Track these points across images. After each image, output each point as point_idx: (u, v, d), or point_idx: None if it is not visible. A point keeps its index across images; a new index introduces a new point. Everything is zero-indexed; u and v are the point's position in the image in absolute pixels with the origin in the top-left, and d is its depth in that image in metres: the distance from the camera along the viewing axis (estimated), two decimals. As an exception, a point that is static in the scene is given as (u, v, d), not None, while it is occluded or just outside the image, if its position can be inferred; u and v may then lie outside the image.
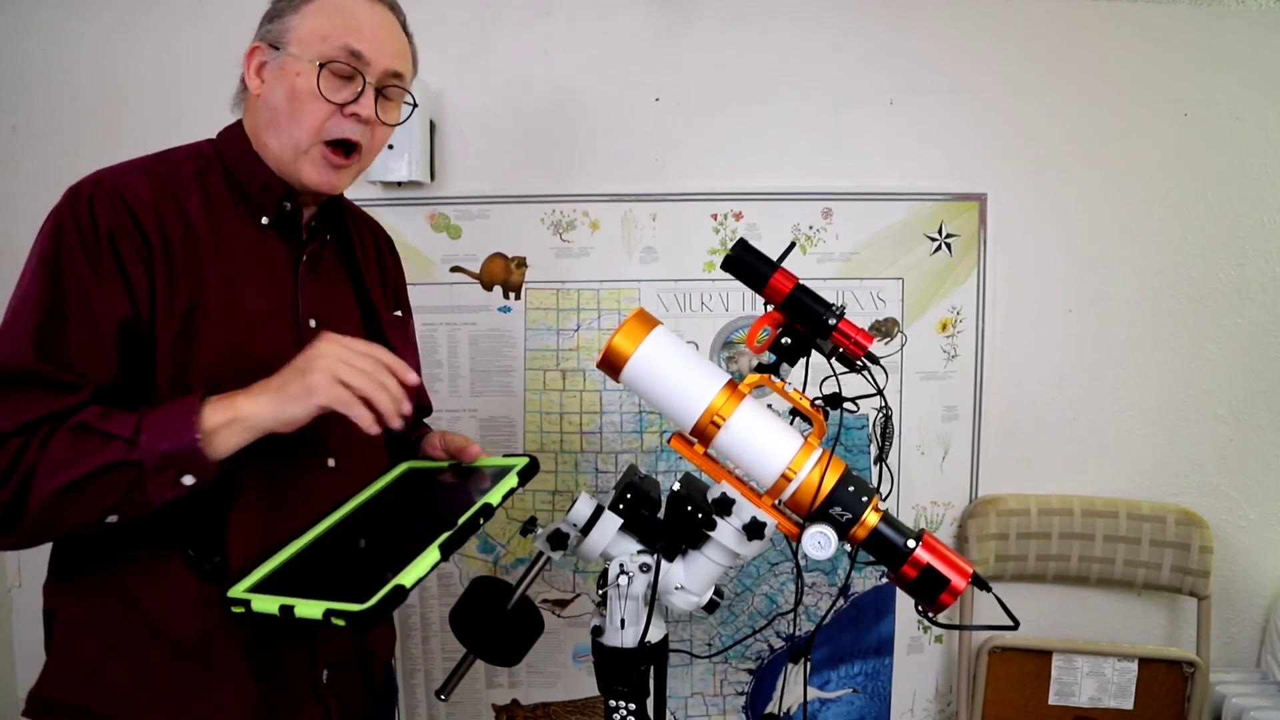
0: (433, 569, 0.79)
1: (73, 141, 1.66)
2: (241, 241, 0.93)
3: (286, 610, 0.75)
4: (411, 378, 0.84)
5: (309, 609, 0.74)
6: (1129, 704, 1.76)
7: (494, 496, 0.90)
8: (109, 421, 0.79)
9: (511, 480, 0.94)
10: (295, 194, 0.96)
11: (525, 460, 0.98)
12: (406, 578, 0.76)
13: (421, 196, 1.69)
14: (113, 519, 0.80)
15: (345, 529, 0.91)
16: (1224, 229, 1.77)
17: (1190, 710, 1.73)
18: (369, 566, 0.82)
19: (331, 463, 0.97)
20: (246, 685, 0.92)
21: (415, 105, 1.02)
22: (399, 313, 1.13)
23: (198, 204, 0.90)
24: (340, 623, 0.72)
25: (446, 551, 0.81)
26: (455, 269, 1.70)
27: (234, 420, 0.80)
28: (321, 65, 0.89)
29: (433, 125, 1.66)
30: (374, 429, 0.82)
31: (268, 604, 0.76)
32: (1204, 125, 1.75)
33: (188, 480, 0.79)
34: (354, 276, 1.05)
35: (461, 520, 0.85)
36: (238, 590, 0.80)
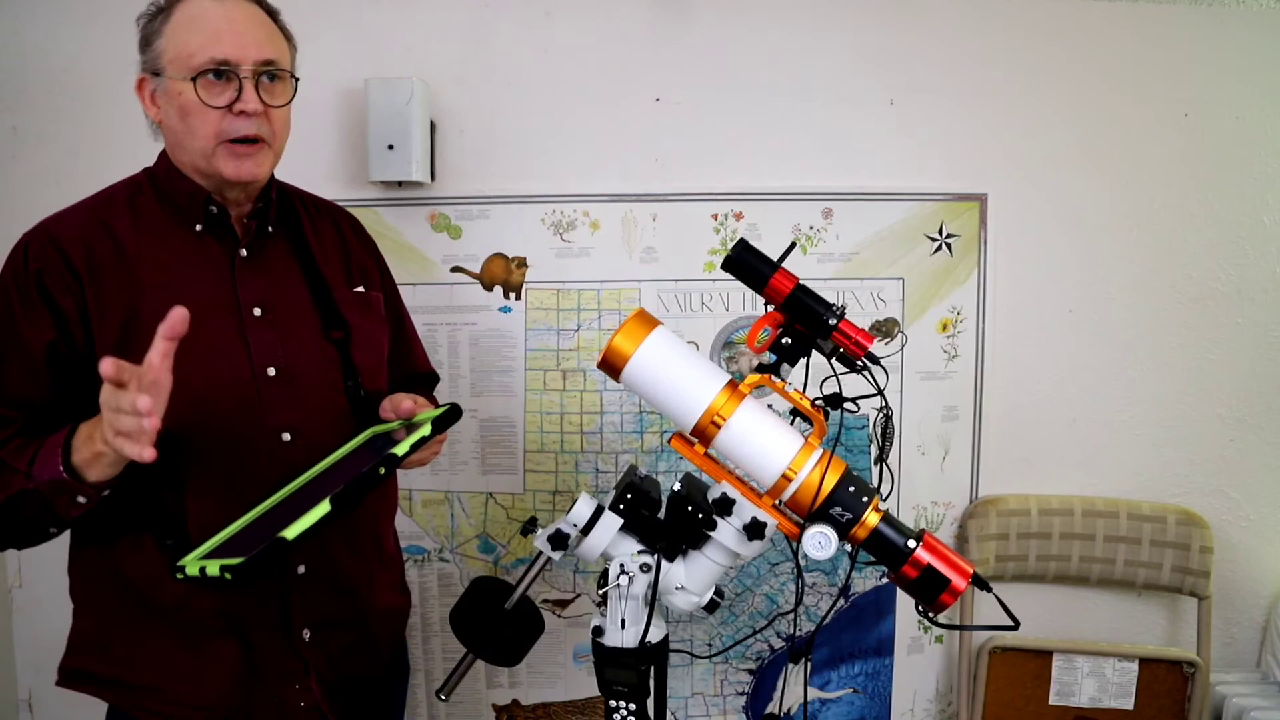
0: (322, 521, 0.80)
1: (73, 141, 1.66)
2: (176, 249, 1.01)
3: (202, 571, 0.79)
4: (143, 403, 0.75)
5: (212, 567, 0.78)
6: (1129, 704, 1.76)
7: (401, 447, 0.90)
8: (19, 455, 0.90)
9: (425, 430, 0.93)
10: (217, 196, 1.02)
11: (446, 407, 0.97)
12: (290, 530, 0.78)
13: (422, 196, 1.69)
14: (54, 530, 0.92)
15: (297, 497, 0.93)
16: (1224, 229, 1.77)
17: (1191, 710, 1.73)
18: (276, 525, 0.84)
19: (286, 436, 1.02)
20: (229, 643, 1.00)
21: (296, 80, 1.05)
22: (360, 289, 1.16)
23: (127, 226, 1.00)
24: (228, 576, 0.76)
25: (339, 503, 0.81)
26: (455, 269, 1.70)
27: (98, 455, 0.85)
28: (194, 79, 0.95)
29: (433, 125, 1.66)
30: (145, 459, 0.78)
31: (193, 568, 0.81)
32: (1204, 125, 1.74)
33: (81, 500, 0.87)
34: (305, 262, 1.10)
35: (363, 472, 0.87)
36: (184, 560, 0.83)
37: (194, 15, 0.96)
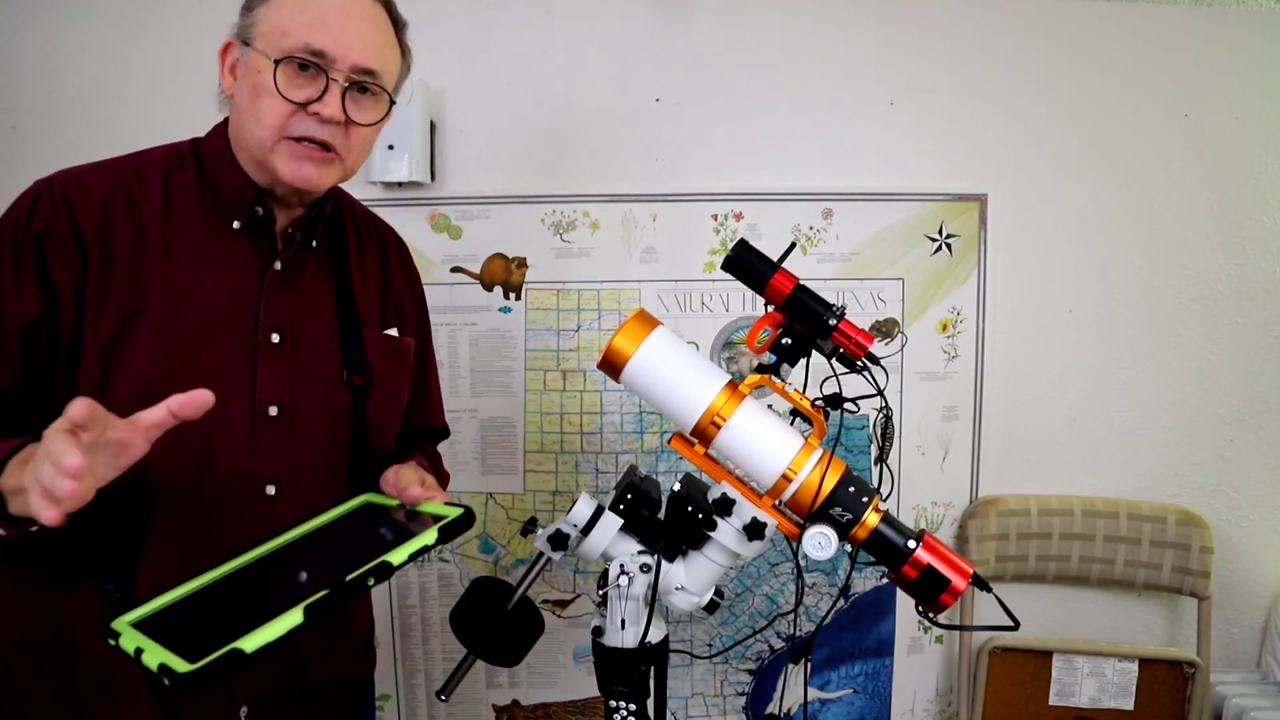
0: (291, 632, 0.67)
1: (73, 141, 1.66)
2: (204, 244, 0.89)
3: (138, 652, 0.66)
4: (70, 463, 0.61)
5: (151, 656, 0.64)
6: (1129, 704, 1.76)
7: (397, 555, 0.76)
8: None
9: (429, 538, 0.79)
10: (267, 197, 0.91)
11: (459, 511, 0.84)
12: (248, 642, 0.64)
13: (422, 197, 1.69)
14: None
15: (266, 565, 0.80)
16: (1224, 229, 1.77)
17: (1191, 711, 1.73)
18: (241, 613, 0.70)
19: (271, 490, 0.90)
20: (151, 713, 0.86)
21: (393, 103, 0.92)
22: (394, 331, 1.03)
23: (156, 204, 0.87)
24: (165, 681, 0.62)
25: (312, 614, 0.68)
26: (456, 269, 1.70)
27: (18, 491, 0.70)
28: (277, 62, 0.83)
29: (433, 125, 1.66)
30: (55, 521, 0.65)
31: (129, 642, 0.67)
32: (1204, 125, 1.74)
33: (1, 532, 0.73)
34: (341, 290, 0.97)
35: (349, 578, 0.73)
36: (121, 621, 0.70)
37: None
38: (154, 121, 1.63)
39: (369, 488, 0.94)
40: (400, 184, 1.66)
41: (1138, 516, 1.75)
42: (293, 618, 0.68)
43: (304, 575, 0.78)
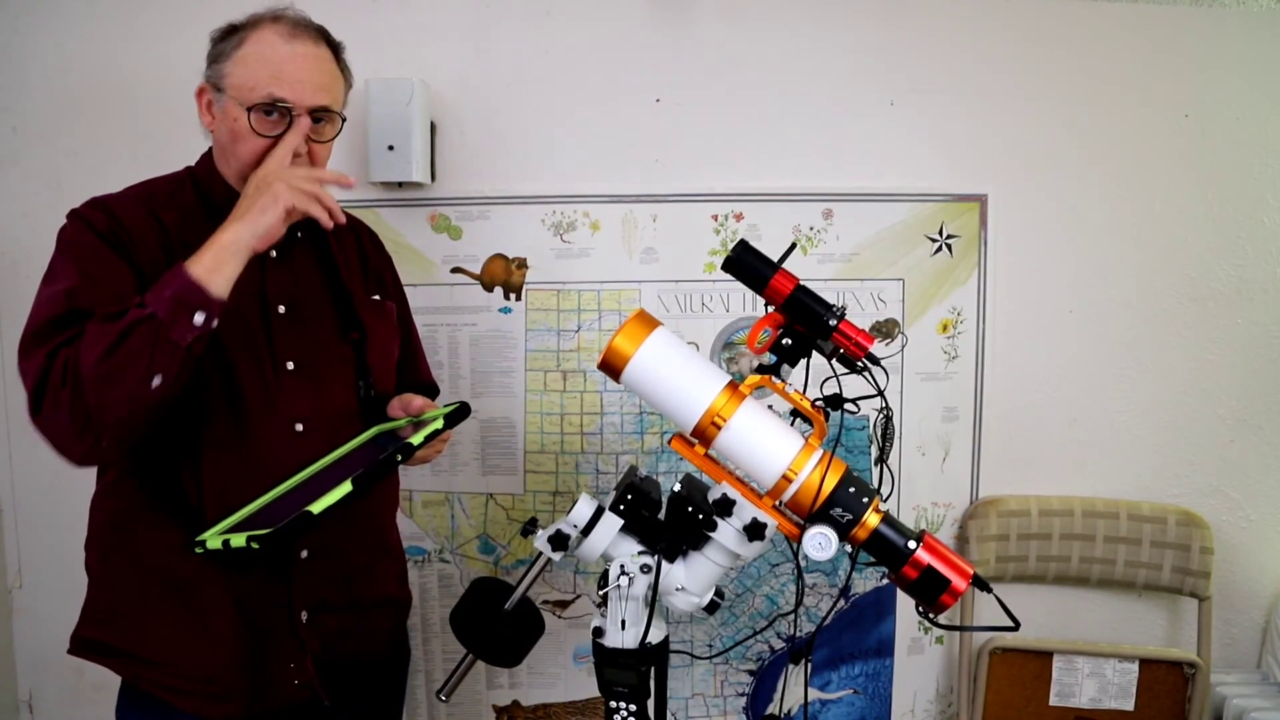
0: (344, 500, 0.88)
1: (73, 141, 1.66)
2: None
3: (225, 543, 0.87)
4: (347, 181, 1.05)
5: (238, 539, 0.85)
6: (1130, 705, 1.76)
7: (416, 438, 1.00)
8: (118, 308, 0.92)
9: (438, 423, 1.03)
10: None
11: (456, 405, 1.08)
12: (316, 505, 0.86)
13: (422, 197, 1.69)
14: (157, 380, 0.90)
15: (309, 484, 1.00)
16: (1224, 229, 1.77)
17: (1191, 711, 1.73)
18: (298, 505, 0.90)
19: (299, 427, 1.07)
20: (231, 619, 1.04)
21: (344, 120, 1.12)
22: (377, 297, 1.24)
23: (174, 218, 1.06)
24: (255, 545, 0.84)
25: (359, 483, 0.90)
26: (456, 270, 1.70)
27: (218, 250, 0.93)
28: (250, 110, 1.02)
29: (433, 125, 1.66)
30: (330, 223, 1.01)
31: (214, 541, 0.89)
32: (1204, 126, 1.74)
33: (199, 319, 0.91)
34: (327, 268, 1.17)
35: (381, 456, 0.94)
36: (202, 536, 0.92)
37: (262, 50, 1.03)
38: (154, 121, 1.64)
39: (378, 423, 1.16)
40: (400, 184, 1.66)
41: (1138, 517, 1.75)
42: (344, 488, 0.88)
43: (343, 475, 0.95)
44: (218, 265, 0.93)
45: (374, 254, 1.28)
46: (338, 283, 1.17)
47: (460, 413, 1.07)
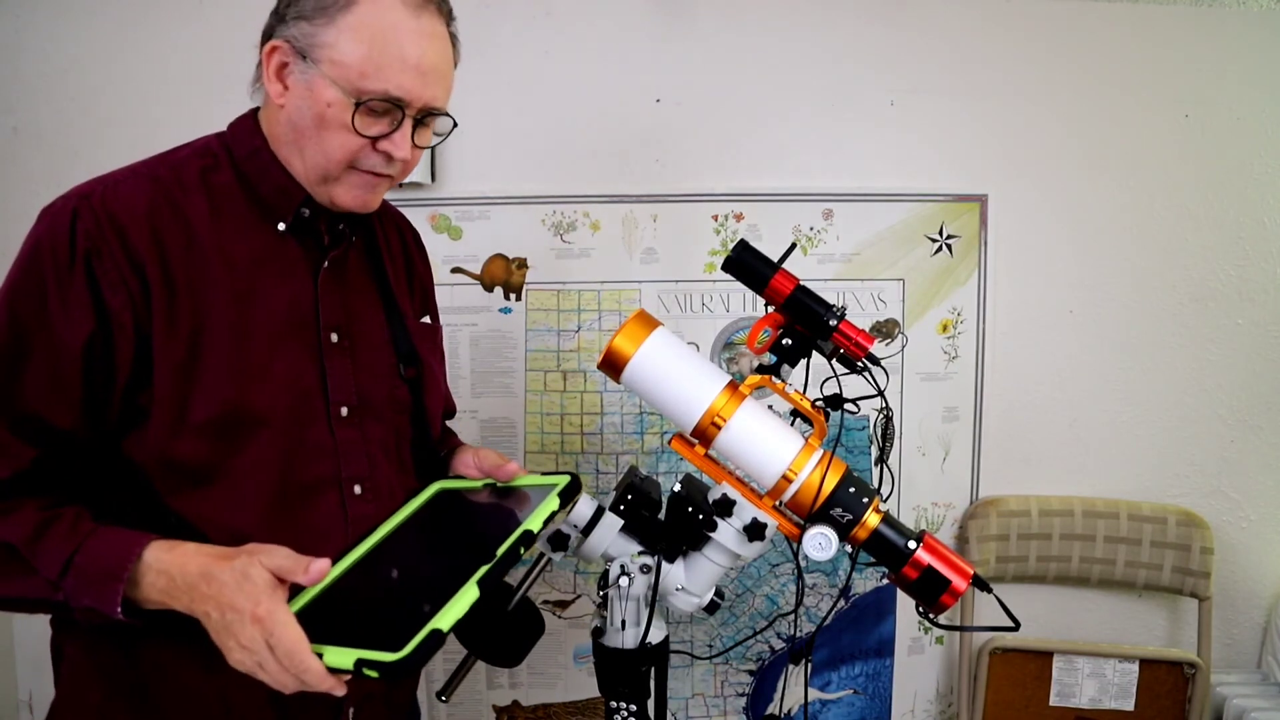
0: (471, 607, 0.72)
1: (73, 142, 1.66)
2: (254, 249, 0.85)
3: (357, 664, 0.67)
4: (309, 669, 0.67)
5: (339, 657, 0.66)
6: (1130, 705, 1.76)
7: (534, 522, 0.82)
8: (39, 547, 0.72)
9: (552, 503, 0.86)
10: (314, 200, 0.88)
11: (566, 479, 0.90)
12: (443, 620, 0.68)
13: (422, 197, 1.69)
14: (9, 596, 0.74)
15: (375, 560, 0.83)
16: (1224, 229, 1.77)
17: (1191, 711, 1.73)
18: (402, 604, 0.75)
19: (358, 489, 0.88)
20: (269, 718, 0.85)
21: (455, 125, 0.90)
22: (426, 319, 1.04)
23: (202, 210, 0.82)
24: (373, 674, 0.65)
25: (485, 586, 0.73)
26: (456, 270, 1.70)
27: (190, 589, 0.70)
28: (358, 104, 0.79)
29: (433, 126, 1.66)
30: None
31: (341, 658, 0.68)
32: (1204, 126, 1.74)
33: (101, 606, 0.71)
34: (380, 281, 0.95)
35: (501, 550, 0.78)
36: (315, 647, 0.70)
37: (383, 22, 0.79)
38: (155, 121, 1.63)
39: (432, 478, 0.98)
40: (401, 184, 1.65)
41: (1138, 517, 1.75)
42: (469, 593, 0.72)
43: (440, 558, 0.82)
44: (169, 596, 0.71)
45: (418, 260, 1.05)
46: (392, 303, 0.94)
47: (572, 488, 0.89)
